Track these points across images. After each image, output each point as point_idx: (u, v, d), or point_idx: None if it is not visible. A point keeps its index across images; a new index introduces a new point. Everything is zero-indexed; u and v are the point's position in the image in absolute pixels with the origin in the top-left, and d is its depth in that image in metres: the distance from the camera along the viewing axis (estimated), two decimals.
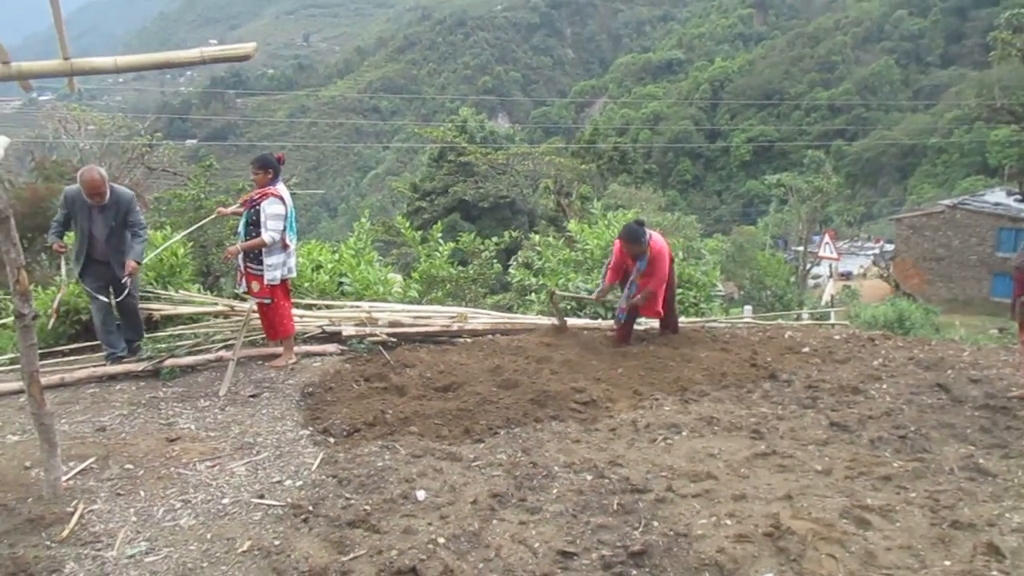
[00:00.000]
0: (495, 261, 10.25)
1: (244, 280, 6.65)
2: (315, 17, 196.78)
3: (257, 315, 6.93)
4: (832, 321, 10.83)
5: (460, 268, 9.83)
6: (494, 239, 10.40)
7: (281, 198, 6.49)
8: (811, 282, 33.77)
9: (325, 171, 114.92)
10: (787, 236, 39.76)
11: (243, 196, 7.47)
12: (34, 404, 4.12)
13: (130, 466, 4.68)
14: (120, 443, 5.08)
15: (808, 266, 33.50)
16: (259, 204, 6.46)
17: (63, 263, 7.27)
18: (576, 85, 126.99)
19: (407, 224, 10.13)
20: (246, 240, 6.51)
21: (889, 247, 46.90)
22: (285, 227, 6.52)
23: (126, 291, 6.67)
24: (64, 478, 4.41)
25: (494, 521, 3.85)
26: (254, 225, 6.50)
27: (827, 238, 21.00)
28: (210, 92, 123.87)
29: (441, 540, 3.64)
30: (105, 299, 6.73)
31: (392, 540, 3.66)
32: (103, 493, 4.33)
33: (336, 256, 8.68)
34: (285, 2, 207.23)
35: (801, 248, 35.28)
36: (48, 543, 3.78)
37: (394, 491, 4.17)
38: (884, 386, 5.99)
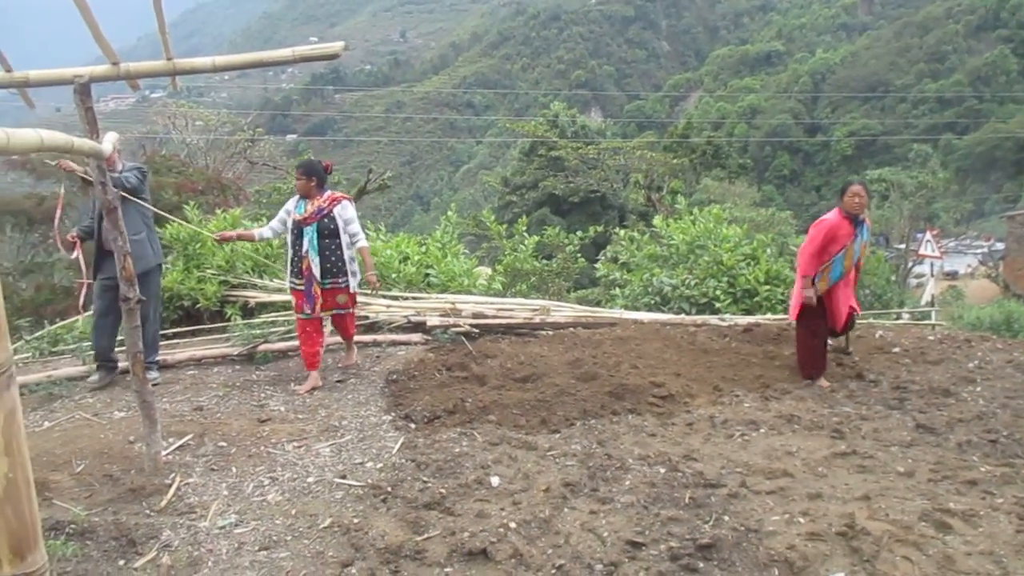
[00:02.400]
0: (579, 255, 10.28)
1: (318, 301, 6.03)
2: (411, 14, 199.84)
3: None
4: (931, 321, 10.40)
5: (544, 262, 9.91)
6: (578, 233, 10.44)
7: (349, 199, 6.26)
8: (913, 281, 32.36)
9: (419, 165, 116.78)
10: (889, 233, 38.16)
11: (234, 231, 6.92)
12: (137, 382, 4.41)
13: (224, 444, 4.95)
14: (215, 422, 5.38)
15: (910, 264, 32.16)
16: (330, 212, 6.04)
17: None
18: (671, 78, 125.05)
19: (492, 218, 10.27)
20: (319, 253, 6.00)
21: (999, 246, 44.49)
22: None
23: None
24: (164, 453, 4.70)
25: (565, 509, 3.92)
26: (330, 236, 6.04)
27: (928, 235, 20.07)
28: (310, 88, 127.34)
29: (512, 525, 3.73)
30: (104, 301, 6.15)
31: (465, 523, 3.77)
32: (198, 468, 4.60)
33: (423, 249, 8.88)
34: (383, 0, 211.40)
35: (903, 246, 33.88)
36: (147, 512, 4.06)
37: (469, 476, 4.29)
38: (978, 389, 5.77)
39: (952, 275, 41.37)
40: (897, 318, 13.01)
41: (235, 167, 24.77)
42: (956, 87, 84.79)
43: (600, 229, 10.38)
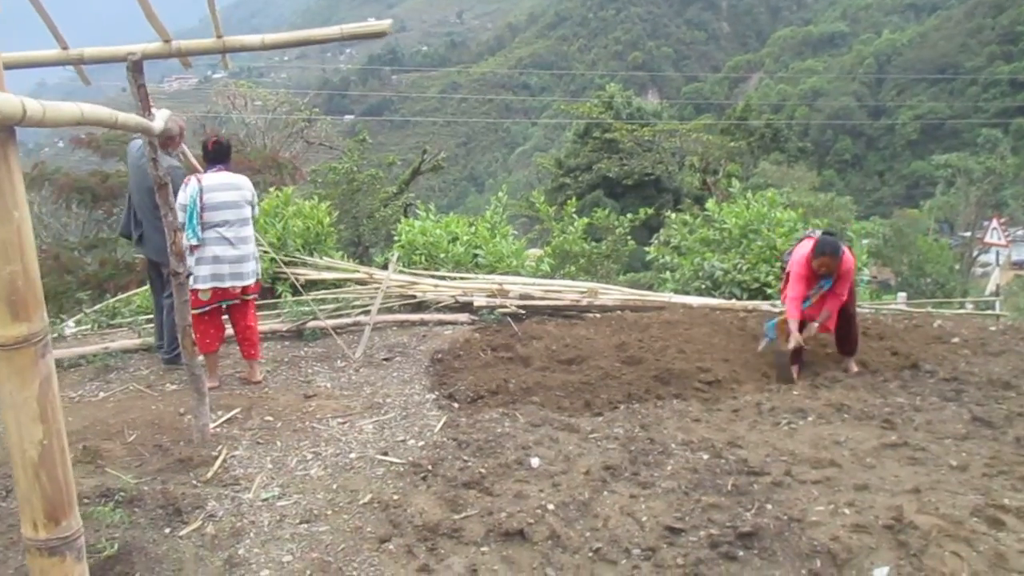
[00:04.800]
0: (629, 238, 10.18)
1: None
2: None
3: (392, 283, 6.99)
4: (995, 312, 10.06)
5: (594, 244, 9.84)
6: (628, 216, 10.33)
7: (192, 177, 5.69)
8: (979, 270, 31.37)
9: (474, 147, 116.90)
10: (954, 221, 37.02)
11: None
12: (186, 355, 4.50)
13: (270, 418, 5.04)
14: (263, 397, 5.48)
15: (975, 253, 31.17)
16: None
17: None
18: (731, 60, 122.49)
19: (542, 199, 10.23)
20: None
21: None
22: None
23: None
24: (212, 425, 4.80)
25: (605, 492, 3.89)
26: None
27: (995, 223, 19.37)
28: (367, 69, 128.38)
29: (551, 507, 3.72)
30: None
31: (503, 503, 3.77)
32: (245, 441, 4.69)
33: (472, 229, 8.89)
34: None
35: (968, 234, 32.83)
36: (194, 482, 4.15)
37: (510, 457, 4.28)
38: None
39: (1020, 264, 39.92)
40: (960, 307, 12.62)
41: (292, 147, 25.09)
42: None
43: (651, 211, 10.23)
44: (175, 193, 5.62)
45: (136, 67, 3.90)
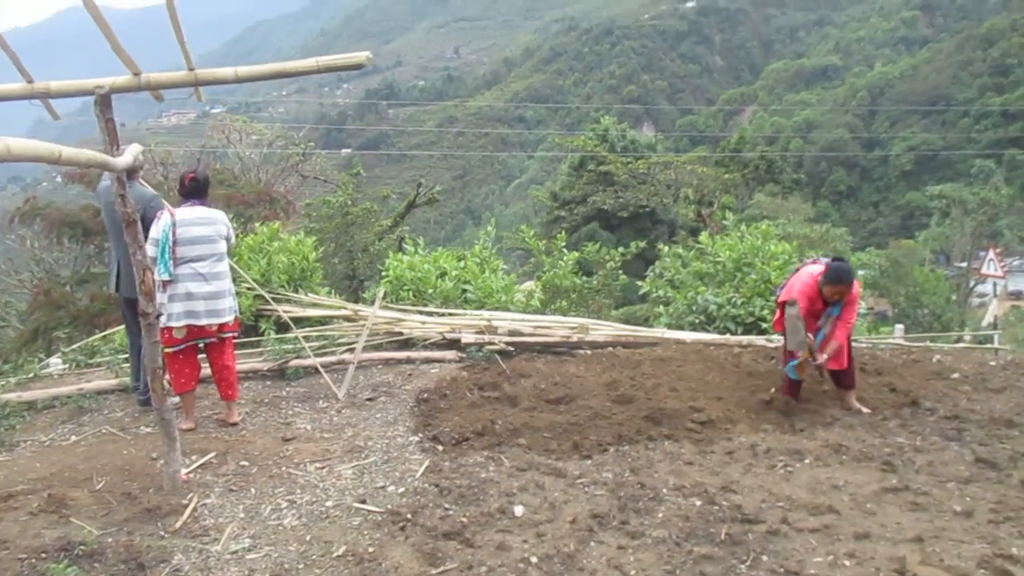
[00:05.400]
0: (620, 272, 10.02)
1: None
2: (465, 30, 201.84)
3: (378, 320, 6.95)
4: (993, 346, 9.89)
5: (585, 278, 9.68)
6: (619, 249, 10.18)
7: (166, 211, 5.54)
8: (975, 301, 31.24)
9: (470, 180, 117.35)
10: (950, 251, 37.01)
11: None
12: (156, 399, 4.31)
13: (245, 463, 4.84)
14: (240, 440, 5.28)
15: (972, 284, 31.07)
16: None
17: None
18: (724, 93, 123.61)
19: (531, 232, 10.10)
20: None
21: None
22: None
23: None
24: (185, 471, 4.60)
25: (591, 543, 3.70)
26: None
27: (991, 254, 19.27)
28: (364, 103, 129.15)
29: (534, 559, 3.53)
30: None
31: (484, 555, 3.58)
32: (217, 488, 4.49)
33: (461, 264, 8.74)
34: (436, 16, 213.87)
35: (964, 264, 32.75)
36: (161, 533, 3.95)
37: (493, 504, 4.10)
38: None
39: (1017, 295, 39.88)
40: (958, 340, 12.46)
41: (287, 181, 25.03)
42: (1021, 101, 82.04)
43: (643, 245, 10.08)
44: (148, 226, 5.50)
45: (104, 101, 3.78)
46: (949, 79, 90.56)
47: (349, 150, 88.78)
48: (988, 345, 10.10)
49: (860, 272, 10.48)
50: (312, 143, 30.58)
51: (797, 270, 6.21)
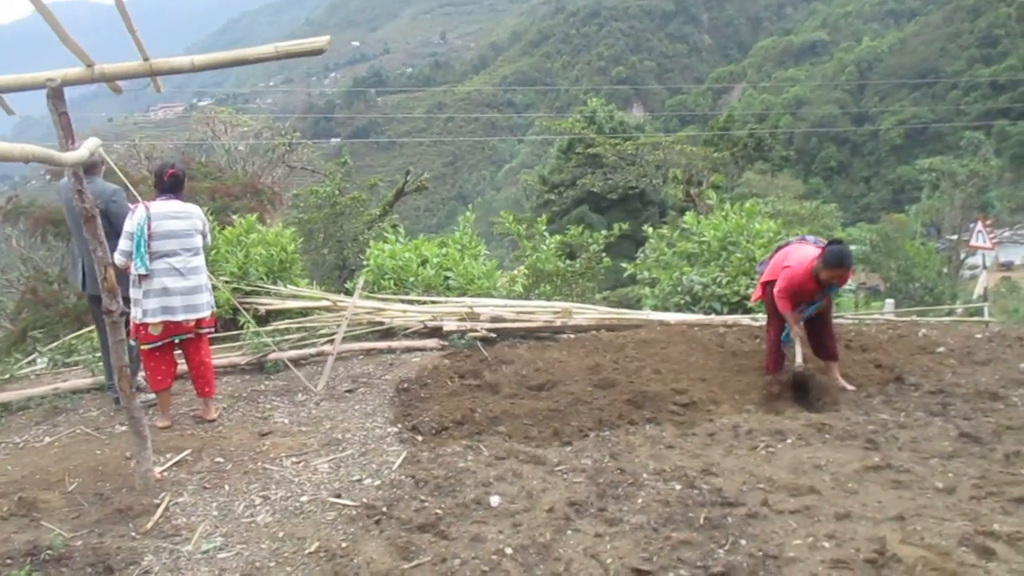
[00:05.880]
0: (603, 255, 9.93)
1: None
2: (451, 15, 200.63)
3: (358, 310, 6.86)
4: (981, 319, 9.84)
5: (568, 262, 9.60)
6: (602, 232, 10.09)
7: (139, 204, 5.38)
8: (967, 273, 31.25)
9: (461, 165, 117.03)
10: (941, 224, 37.02)
11: None
12: (124, 398, 4.23)
13: (220, 459, 4.77)
14: (216, 436, 5.21)
15: (963, 256, 31.06)
16: None
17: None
18: (713, 72, 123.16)
19: (511, 218, 10.02)
20: None
21: None
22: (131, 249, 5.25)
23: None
24: (159, 470, 4.54)
25: (568, 532, 3.64)
26: None
27: (979, 226, 19.24)
28: (352, 92, 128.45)
29: (508, 551, 3.46)
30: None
31: (458, 548, 3.51)
32: (191, 486, 4.42)
33: (443, 251, 8.64)
34: (422, 2, 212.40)
35: (955, 237, 32.76)
36: (132, 534, 3.88)
37: (469, 495, 4.03)
38: None
39: (1007, 266, 39.91)
40: (949, 313, 12.42)
41: (274, 172, 24.86)
42: (1010, 72, 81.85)
43: (626, 227, 9.97)
44: (113, 221, 5.41)
45: (56, 94, 3.67)
46: (937, 52, 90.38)
47: (338, 139, 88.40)
48: (976, 318, 10.05)
49: (852, 247, 10.38)
50: (299, 133, 30.37)
51: (780, 248, 6.14)
